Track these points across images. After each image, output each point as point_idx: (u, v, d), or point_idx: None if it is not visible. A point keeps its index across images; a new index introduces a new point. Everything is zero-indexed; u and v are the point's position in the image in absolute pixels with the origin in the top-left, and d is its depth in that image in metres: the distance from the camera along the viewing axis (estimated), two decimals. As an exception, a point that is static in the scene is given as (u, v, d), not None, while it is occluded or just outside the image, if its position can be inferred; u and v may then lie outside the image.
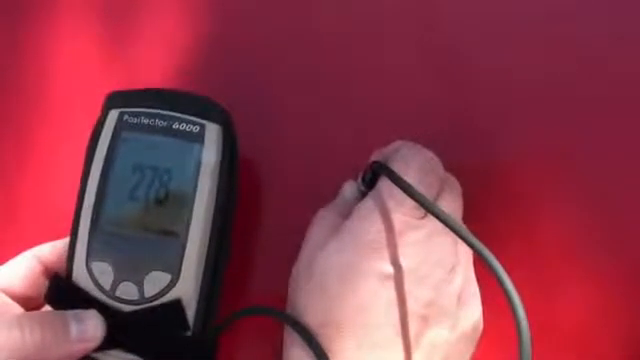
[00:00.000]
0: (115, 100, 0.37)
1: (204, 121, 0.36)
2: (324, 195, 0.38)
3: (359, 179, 0.37)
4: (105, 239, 0.35)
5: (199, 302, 0.35)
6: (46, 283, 0.37)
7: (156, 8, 0.45)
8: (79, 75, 0.46)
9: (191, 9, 0.44)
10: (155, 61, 0.44)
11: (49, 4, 0.47)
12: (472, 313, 0.34)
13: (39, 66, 0.46)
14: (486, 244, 0.31)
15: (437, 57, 0.40)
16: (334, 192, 0.38)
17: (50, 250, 0.38)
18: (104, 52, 0.45)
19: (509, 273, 0.30)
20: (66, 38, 0.46)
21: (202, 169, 0.35)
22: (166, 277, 0.35)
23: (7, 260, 0.38)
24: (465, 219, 0.36)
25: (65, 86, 0.46)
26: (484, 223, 0.37)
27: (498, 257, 0.31)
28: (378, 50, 0.41)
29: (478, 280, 0.35)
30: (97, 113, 0.38)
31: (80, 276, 0.35)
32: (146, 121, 0.36)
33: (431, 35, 0.40)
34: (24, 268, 0.37)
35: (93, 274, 0.35)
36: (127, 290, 0.35)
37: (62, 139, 0.45)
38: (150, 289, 0.35)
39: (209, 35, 0.44)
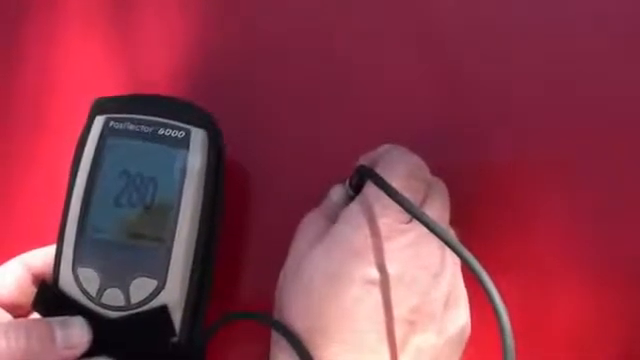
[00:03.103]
0: (101, 106, 0.37)
1: (189, 126, 0.36)
2: (313, 199, 0.38)
3: (346, 183, 0.37)
4: (91, 245, 0.35)
5: (185, 308, 0.35)
6: (33, 290, 0.37)
7: (140, 18, 0.45)
8: (77, 80, 0.45)
9: (182, 13, 0.44)
10: (143, 66, 0.44)
11: (45, 7, 0.47)
12: (459, 318, 0.34)
13: (34, 71, 0.46)
14: (479, 247, 0.31)
15: (433, 59, 0.40)
16: (323, 196, 0.38)
17: (38, 257, 0.38)
18: (102, 57, 0.45)
19: (502, 275, 0.30)
20: (64, 42, 0.46)
21: (188, 174, 0.35)
22: (152, 283, 0.35)
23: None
24: (458, 222, 0.36)
25: (62, 91, 0.46)
26: (477, 226, 0.37)
27: (491, 259, 0.31)
28: (374, 52, 0.41)
29: (466, 285, 0.35)
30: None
31: (66, 282, 0.35)
32: (132, 127, 0.36)
33: (427, 37, 0.40)
34: (11, 275, 0.37)
35: (79, 280, 0.35)
36: (113, 296, 0.35)
37: (56, 144, 0.45)
38: (136, 295, 0.35)
39: (197, 39, 0.43)
